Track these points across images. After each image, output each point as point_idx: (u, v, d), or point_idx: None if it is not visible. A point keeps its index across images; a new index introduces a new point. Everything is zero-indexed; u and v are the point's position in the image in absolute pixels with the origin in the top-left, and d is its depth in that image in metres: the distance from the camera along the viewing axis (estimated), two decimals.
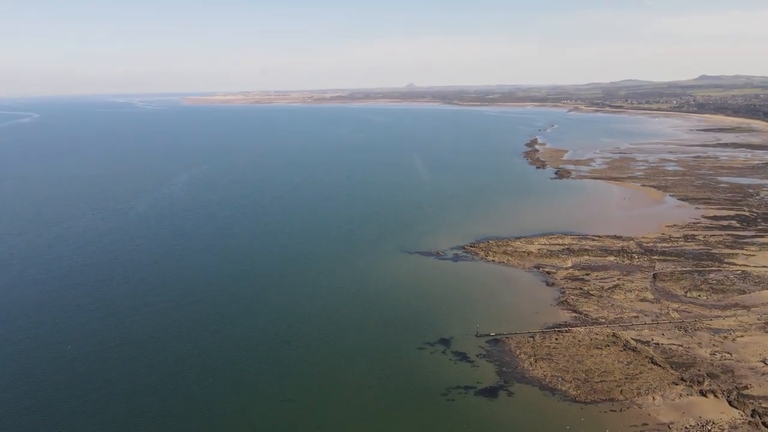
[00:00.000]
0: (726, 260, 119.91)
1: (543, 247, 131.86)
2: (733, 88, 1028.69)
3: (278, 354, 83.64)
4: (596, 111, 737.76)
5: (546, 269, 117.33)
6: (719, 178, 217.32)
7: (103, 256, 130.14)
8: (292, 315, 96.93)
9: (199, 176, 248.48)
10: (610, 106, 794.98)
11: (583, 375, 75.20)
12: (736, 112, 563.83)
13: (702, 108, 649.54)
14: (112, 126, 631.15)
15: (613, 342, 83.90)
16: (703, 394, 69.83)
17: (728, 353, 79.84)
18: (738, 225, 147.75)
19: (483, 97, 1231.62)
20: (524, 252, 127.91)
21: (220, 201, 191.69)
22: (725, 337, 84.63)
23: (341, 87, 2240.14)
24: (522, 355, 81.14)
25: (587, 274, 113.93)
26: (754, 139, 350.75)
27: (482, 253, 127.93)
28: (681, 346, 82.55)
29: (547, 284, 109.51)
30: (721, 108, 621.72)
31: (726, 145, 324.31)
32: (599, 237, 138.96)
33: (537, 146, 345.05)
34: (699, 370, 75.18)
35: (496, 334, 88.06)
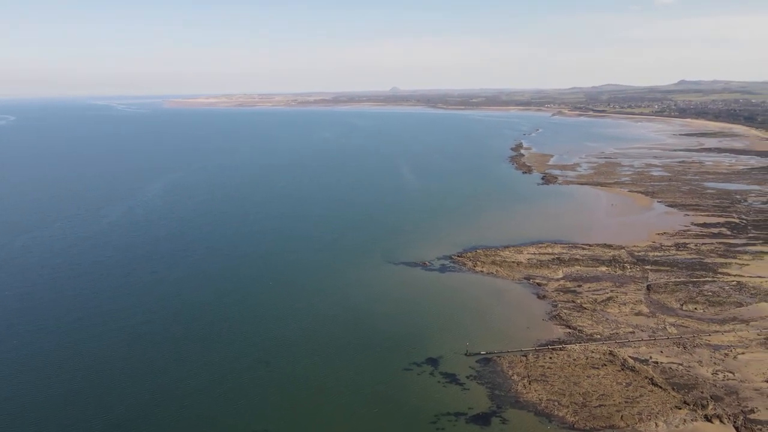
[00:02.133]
0: (720, 270, 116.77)
1: (532, 256, 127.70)
2: (712, 92, 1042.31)
3: (256, 376, 77.89)
4: (580, 115, 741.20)
5: (536, 280, 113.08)
6: (706, 184, 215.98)
7: (71, 269, 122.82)
8: (272, 332, 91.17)
9: (177, 182, 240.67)
10: (593, 110, 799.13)
11: (581, 398, 70.65)
12: (717, 116, 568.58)
13: (683, 112, 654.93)
14: (91, 129, 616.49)
15: (610, 361, 79.56)
16: (708, 419, 65.69)
17: (730, 372, 75.95)
18: (729, 232, 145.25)
19: (467, 100, 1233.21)
20: (513, 262, 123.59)
21: (197, 208, 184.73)
22: (726, 355, 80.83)
23: (325, 90, 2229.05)
24: (515, 377, 76.40)
25: (579, 286, 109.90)
26: (737, 144, 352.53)
27: (470, 264, 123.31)
28: (681, 364, 78.51)
29: (538, 297, 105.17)
30: (702, 112, 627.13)
31: (710, 149, 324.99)
32: (589, 246, 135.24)
33: (522, 150, 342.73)
34: (702, 392, 71.09)
35: (486, 353, 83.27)
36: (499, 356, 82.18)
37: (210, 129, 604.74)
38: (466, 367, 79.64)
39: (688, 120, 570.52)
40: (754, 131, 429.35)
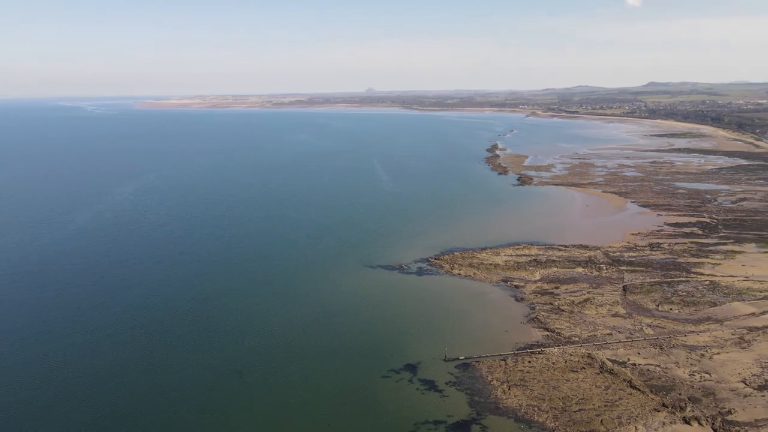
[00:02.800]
0: (693, 270, 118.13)
1: (509, 258, 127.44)
2: (680, 94, 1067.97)
3: (227, 387, 75.34)
4: (553, 116, 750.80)
5: (514, 283, 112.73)
6: (677, 184, 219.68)
7: (34, 277, 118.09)
8: (245, 341, 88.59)
9: (148, 185, 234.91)
10: (566, 111, 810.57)
11: (561, 403, 70.03)
12: (685, 117, 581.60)
13: (653, 113, 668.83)
14: (59, 131, 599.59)
15: (589, 364, 79.26)
16: (686, 421, 65.63)
17: (707, 373, 76.29)
18: (700, 232, 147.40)
19: (442, 101, 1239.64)
20: (491, 264, 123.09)
21: (168, 212, 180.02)
22: (702, 355, 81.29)
23: (300, 91, 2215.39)
24: (494, 382, 75.48)
25: (556, 288, 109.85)
26: (705, 144, 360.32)
27: (447, 266, 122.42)
28: (658, 366, 78.62)
29: (516, 299, 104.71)
30: (671, 113, 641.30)
31: (680, 150, 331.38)
32: (565, 247, 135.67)
33: (498, 152, 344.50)
34: (680, 394, 71.17)
35: (465, 358, 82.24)
36: (478, 361, 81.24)
37: (181, 131, 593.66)
38: (445, 372, 78.47)
39: (658, 121, 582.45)
40: (721, 132, 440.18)
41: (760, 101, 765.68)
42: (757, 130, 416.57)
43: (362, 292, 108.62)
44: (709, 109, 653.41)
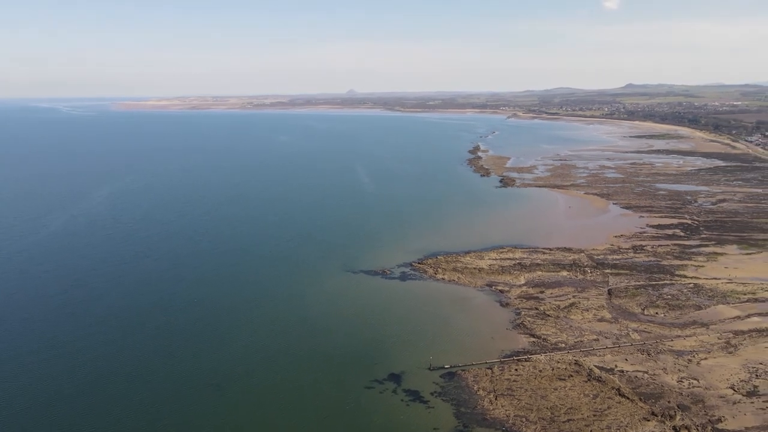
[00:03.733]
0: (677, 272, 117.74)
1: (494, 262, 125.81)
2: (657, 95, 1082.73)
3: (205, 401, 72.16)
4: (534, 117, 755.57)
5: (499, 287, 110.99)
6: (657, 185, 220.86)
7: (2, 285, 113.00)
8: (224, 352, 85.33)
9: (124, 188, 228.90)
10: (546, 112, 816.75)
11: (549, 413, 68.20)
12: (663, 119, 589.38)
13: (632, 115, 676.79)
14: (40, 132, 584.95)
15: (576, 371, 77.65)
16: (676, 430, 64.22)
17: (695, 379, 75.20)
18: (682, 234, 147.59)
19: (424, 103, 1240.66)
20: (475, 268, 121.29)
21: (145, 217, 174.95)
22: (689, 361, 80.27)
23: (281, 93, 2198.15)
24: (481, 392, 73.41)
25: (541, 292, 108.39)
26: (683, 146, 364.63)
27: (431, 271, 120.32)
28: (646, 372, 77.35)
29: (501, 304, 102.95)
30: (649, 115, 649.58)
31: (659, 151, 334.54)
32: (550, 250, 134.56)
33: (480, 153, 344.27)
34: (669, 402, 69.87)
35: (451, 367, 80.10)
36: (463, 369, 79.16)
37: (160, 132, 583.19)
38: (430, 382, 76.23)
39: (637, 122, 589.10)
40: (698, 133, 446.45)
41: (735, 103, 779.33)
42: (733, 132, 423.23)
43: (344, 299, 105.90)
44: (686, 111, 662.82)
